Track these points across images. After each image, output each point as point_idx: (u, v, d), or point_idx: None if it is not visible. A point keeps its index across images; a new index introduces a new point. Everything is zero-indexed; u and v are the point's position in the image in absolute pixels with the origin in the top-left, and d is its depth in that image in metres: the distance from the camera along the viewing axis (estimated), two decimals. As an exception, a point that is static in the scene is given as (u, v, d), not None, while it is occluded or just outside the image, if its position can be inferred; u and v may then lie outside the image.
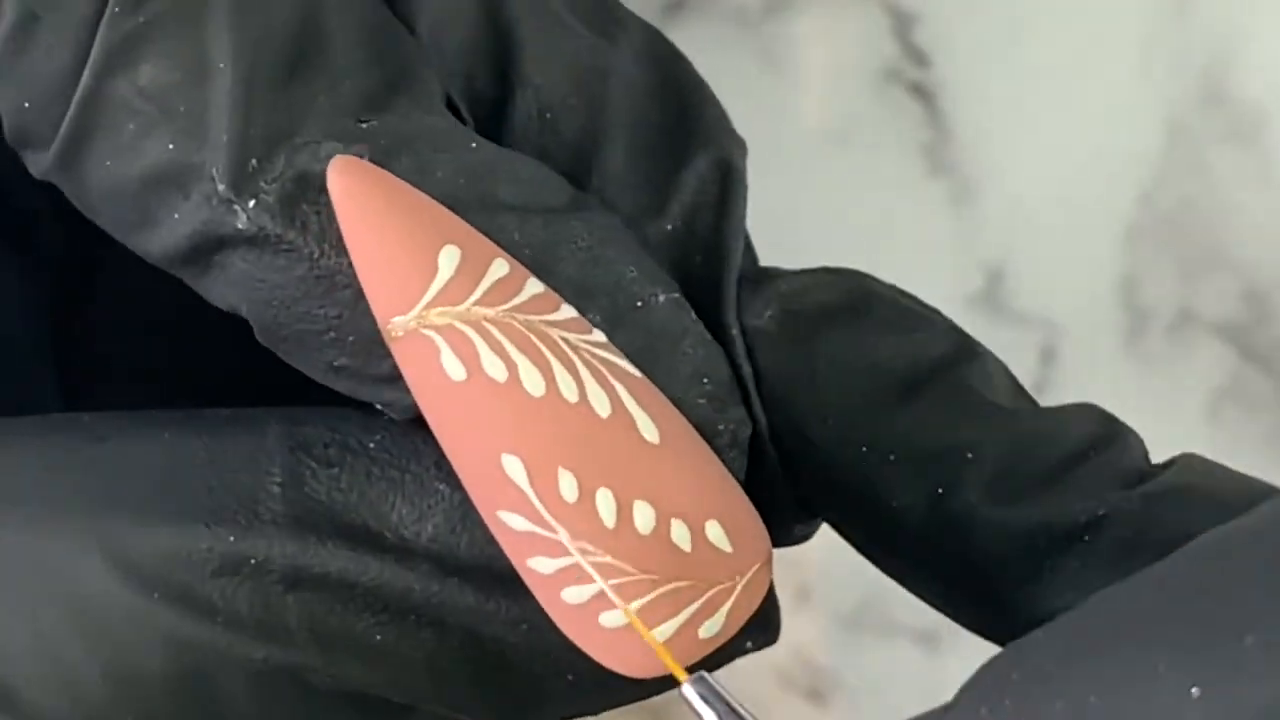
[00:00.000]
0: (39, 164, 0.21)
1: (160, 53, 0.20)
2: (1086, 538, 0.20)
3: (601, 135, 0.22)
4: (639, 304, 0.21)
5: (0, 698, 0.20)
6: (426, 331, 0.20)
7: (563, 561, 0.19)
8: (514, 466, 0.19)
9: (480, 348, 0.20)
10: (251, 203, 0.19)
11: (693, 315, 0.21)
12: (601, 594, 0.19)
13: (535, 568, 0.20)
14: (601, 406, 0.20)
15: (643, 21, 0.23)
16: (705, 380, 0.21)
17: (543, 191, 0.21)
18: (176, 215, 0.20)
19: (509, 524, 0.20)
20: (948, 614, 0.22)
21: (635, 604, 0.19)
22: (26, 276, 0.27)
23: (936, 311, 0.22)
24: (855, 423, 0.21)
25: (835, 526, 0.22)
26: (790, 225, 0.39)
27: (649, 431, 0.20)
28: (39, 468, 0.21)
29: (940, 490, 0.21)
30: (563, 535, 0.19)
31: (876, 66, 0.40)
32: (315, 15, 0.20)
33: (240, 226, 0.20)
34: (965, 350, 0.22)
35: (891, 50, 0.40)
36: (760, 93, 0.40)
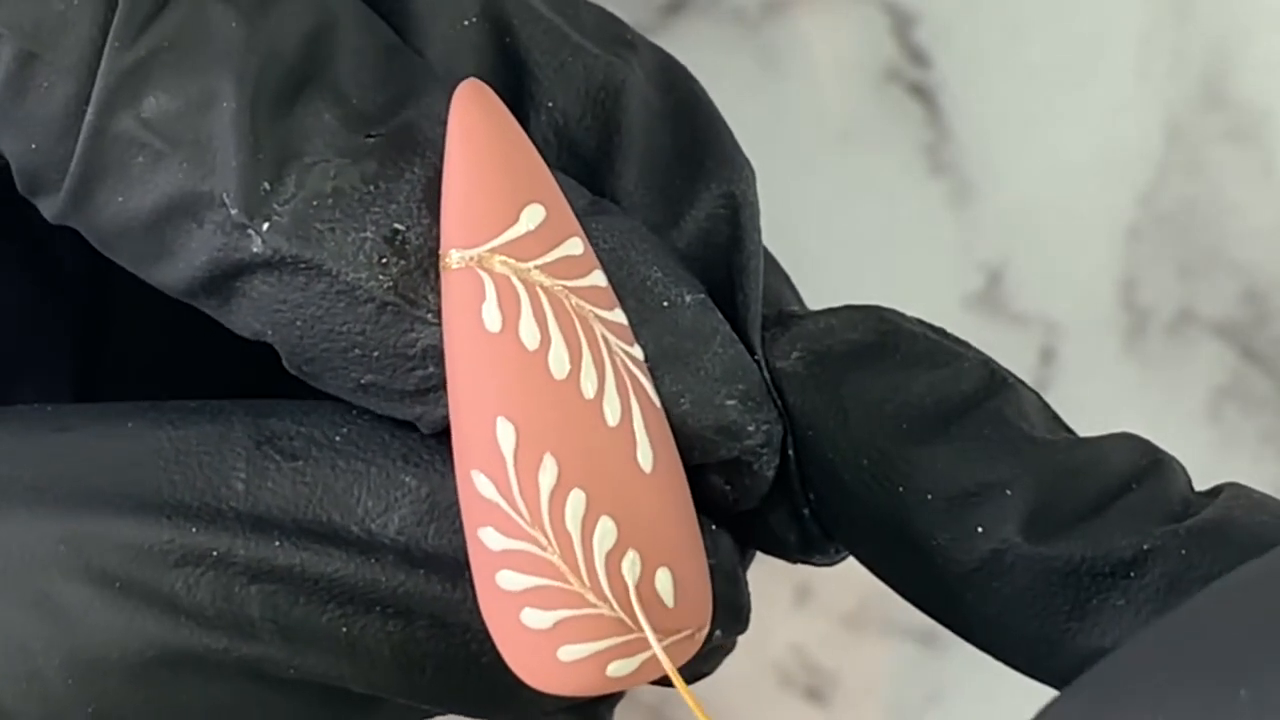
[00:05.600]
0: (52, 208, 0.21)
1: (163, 84, 0.20)
2: (1131, 574, 0.20)
3: (615, 153, 0.22)
4: (665, 304, 0.21)
5: None
6: (481, 272, 0.20)
7: (511, 544, 0.19)
8: (506, 432, 0.19)
9: (524, 308, 0.20)
10: (265, 226, 0.20)
11: (720, 316, 0.21)
12: (534, 590, 0.19)
13: (483, 539, 0.20)
14: (612, 414, 0.20)
15: (652, 43, 0.23)
16: (738, 382, 0.21)
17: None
18: (192, 245, 0.20)
19: (477, 486, 0.20)
20: (991, 653, 0.21)
21: (559, 614, 0.19)
22: (48, 298, 0.27)
23: (965, 344, 0.22)
24: (889, 463, 0.21)
25: (870, 566, 0.22)
26: (790, 226, 0.39)
27: (645, 459, 0.20)
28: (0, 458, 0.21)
29: (980, 528, 0.20)
30: (523, 517, 0.19)
31: (876, 66, 0.40)
32: (318, 37, 0.20)
33: (256, 250, 0.20)
34: (997, 382, 0.21)
35: (891, 50, 0.40)
36: (760, 93, 0.40)
